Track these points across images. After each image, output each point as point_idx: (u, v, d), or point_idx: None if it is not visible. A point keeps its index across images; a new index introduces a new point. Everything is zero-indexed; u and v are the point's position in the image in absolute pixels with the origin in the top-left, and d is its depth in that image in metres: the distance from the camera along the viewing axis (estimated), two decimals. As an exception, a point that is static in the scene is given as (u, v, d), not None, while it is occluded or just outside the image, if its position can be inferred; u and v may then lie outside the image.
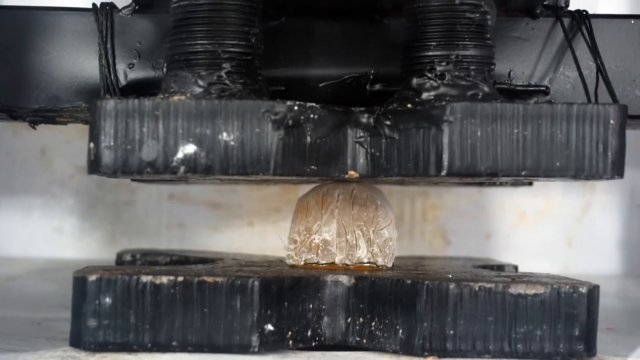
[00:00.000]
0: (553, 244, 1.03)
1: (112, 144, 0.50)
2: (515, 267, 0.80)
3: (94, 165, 0.51)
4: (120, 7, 0.61)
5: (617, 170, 0.52)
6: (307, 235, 0.59)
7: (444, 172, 0.51)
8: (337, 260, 0.58)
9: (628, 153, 0.53)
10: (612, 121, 0.51)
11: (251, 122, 0.51)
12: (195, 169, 0.50)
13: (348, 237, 0.58)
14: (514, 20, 0.62)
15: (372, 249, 0.58)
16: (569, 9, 0.62)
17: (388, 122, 0.53)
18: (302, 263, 0.59)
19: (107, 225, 1.01)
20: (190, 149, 0.50)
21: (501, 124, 0.51)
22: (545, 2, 0.61)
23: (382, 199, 0.60)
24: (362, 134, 0.54)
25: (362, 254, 0.58)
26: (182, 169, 0.50)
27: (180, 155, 0.50)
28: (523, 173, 0.51)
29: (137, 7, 0.61)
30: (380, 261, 0.58)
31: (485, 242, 1.03)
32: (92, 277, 0.50)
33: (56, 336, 0.57)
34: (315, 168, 0.52)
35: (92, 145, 0.51)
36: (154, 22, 0.61)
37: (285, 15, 0.61)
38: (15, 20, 0.61)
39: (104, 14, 0.60)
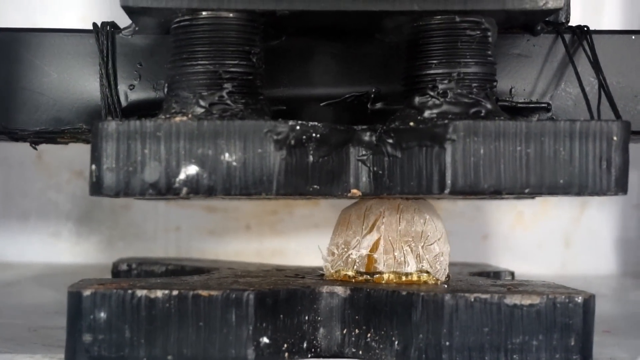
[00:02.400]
0: (550, 244, 1.03)
1: (113, 165, 0.50)
2: (512, 274, 0.80)
3: (96, 187, 0.51)
4: (121, 27, 0.61)
5: (620, 186, 0.51)
6: (345, 249, 0.58)
7: (447, 191, 0.51)
8: (384, 278, 0.57)
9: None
10: (615, 137, 0.51)
11: (253, 142, 0.51)
12: (197, 190, 0.50)
13: (396, 253, 0.57)
14: (514, 37, 0.62)
15: (422, 265, 0.57)
16: (570, 24, 0.62)
17: (390, 141, 0.53)
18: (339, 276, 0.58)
19: (104, 230, 1.01)
20: (192, 170, 0.50)
21: (504, 141, 0.51)
22: (546, 18, 0.61)
23: (430, 213, 0.58)
24: (364, 152, 0.54)
25: (411, 271, 0.57)
26: (184, 190, 0.50)
27: (182, 176, 0.50)
28: (526, 190, 0.51)
29: (137, 28, 0.60)
30: (431, 277, 0.57)
31: (482, 242, 1.03)
32: (87, 292, 0.50)
33: (53, 343, 0.57)
34: (318, 187, 0.52)
35: (94, 167, 0.51)
36: (154, 43, 0.61)
37: (286, 35, 0.61)
38: (15, 42, 0.61)
39: (105, 35, 0.60)
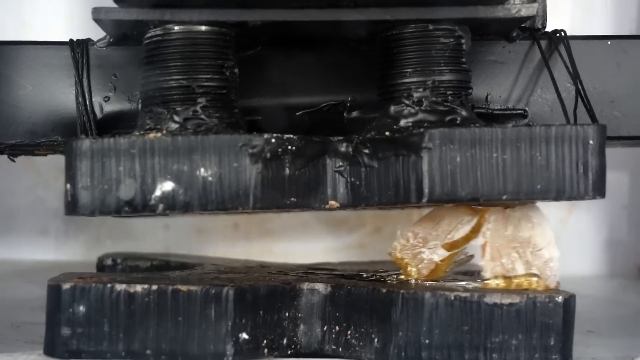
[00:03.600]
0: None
1: (88, 184, 0.50)
2: None
3: (71, 207, 0.50)
4: (96, 38, 0.61)
5: (598, 190, 0.51)
6: (421, 244, 0.56)
7: (424, 199, 0.51)
8: (491, 284, 0.55)
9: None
10: (591, 141, 0.51)
11: (229, 156, 0.50)
12: (173, 206, 0.50)
13: (503, 260, 0.55)
14: (490, 44, 0.62)
15: (531, 271, 0.55)
16: (546, 30, 0.62)
17: (367, 151, 0.53)
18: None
19: (92, 228, 1.00)
20: (168, 186, 0.50)
21: (480, 148, 0.51)
22: (522, 25, 0.61)
23: (538, 216, 0.56)
24: (341, 163, 0.53)
25: (520, 278, 0.55)
26: (160, 206, 0.50)
27: (158, 192, 0.50)
28: (504, 197, 0.51)
29: (111, 40, 0.60)
30: (541, 283, 0.55)
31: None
32: (66, 286, 0.50)
33: (35, 340, 0.57)
34: (295, 200, 0.52)
35: (68, 186, 0.50)
36: (129, 54, 0.61)
37: (260, 45, 0.60)
38: (-10, 55, 0.61)
39: (80, 51, 0.60)
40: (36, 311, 0.67)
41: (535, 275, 0.55)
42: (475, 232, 0.56)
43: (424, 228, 0.57)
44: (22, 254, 1.00)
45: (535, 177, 0.51)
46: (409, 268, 0.56)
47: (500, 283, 0.55)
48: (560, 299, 0.51)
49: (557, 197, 0.51)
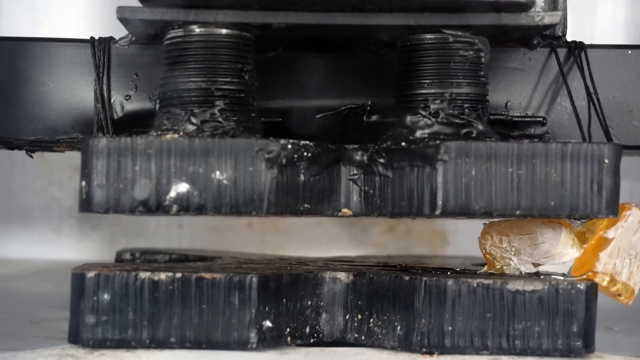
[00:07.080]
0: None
1: (104, 182, 0.50)
2: None
3: (86, 204, 0.51)
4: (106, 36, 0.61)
5: (611, 209, 0.51)
6: (512, 253, 0.56)
7: (438, 211, 0.51)
8: (598, 277, 0.55)
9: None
10: (606, 160, 0.51)
11: (244, 160, 0.50)
12: (188, 208, 0.50)
13: (617, 261, 0.55)
14: (511, 51, 0.62)
15: (634, 280, 0.55)
16: (567, 39, 0.62)
17: (382, 160, 0.53)
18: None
19: (106, 227, 1.01)
20: (183, 187, 0.50)
21: (496, 163, 0.51)
22: (543, 32, 0.61)
23: None
24: (355, 172, 0.54)
25: (619, 285, 0.55)
26: (174, 207, 0.50)
27: (172, 194, 0.50)
28: (517, 212, 0.51)
29: (133, 39, 0.60)
30: (627, 294, 0.55)
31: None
32: (91, 274, 0.50)
33: (55, 335, 0.57)
34: (309, 206, 0.52)
35: (84, 183, 0.51)
36: (151, 53, 0.61)
37: (281, 47, 0.60)
38: (11, 51, 0.61)
39: (102, 49, 0.60)
40: (53, 308, 0.68)
41: (630, 288, 0.55)
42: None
43: (520, 240, 0.56)
44: (37, 253, 1.00)
45: (549, 193, 0.51)
46: (496, 264, 0.56)
47: (607, 280, 0.54)
48: (582, 286, 0.52)
49: (571, 215, 0.51)
